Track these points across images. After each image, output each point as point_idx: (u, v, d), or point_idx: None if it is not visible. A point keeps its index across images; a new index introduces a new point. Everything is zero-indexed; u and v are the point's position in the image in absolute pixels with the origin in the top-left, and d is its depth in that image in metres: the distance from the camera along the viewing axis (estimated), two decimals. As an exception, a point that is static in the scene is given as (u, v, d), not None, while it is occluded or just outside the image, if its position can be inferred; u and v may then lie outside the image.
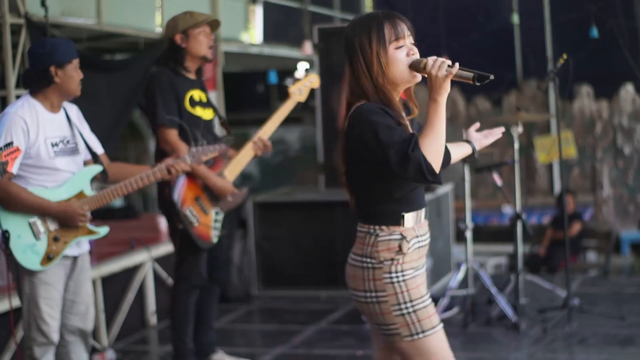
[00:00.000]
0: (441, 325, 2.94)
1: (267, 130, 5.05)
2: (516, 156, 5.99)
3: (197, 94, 4.92)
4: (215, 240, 4.86)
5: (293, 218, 7.26)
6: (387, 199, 2.89)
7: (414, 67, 2.88)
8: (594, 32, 8.34)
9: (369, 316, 2.94)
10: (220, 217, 4.89)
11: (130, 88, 6.59)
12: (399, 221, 2.89)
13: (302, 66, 9.83)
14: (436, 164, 2.76)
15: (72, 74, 4.05)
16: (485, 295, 6.32)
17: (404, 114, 2.90)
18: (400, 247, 2.88)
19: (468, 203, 6.23)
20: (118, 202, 9.36)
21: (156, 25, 7.35)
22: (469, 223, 6.12)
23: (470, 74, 2.81)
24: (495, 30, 10.95)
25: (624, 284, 7.31)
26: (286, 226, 7.25)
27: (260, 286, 7.23)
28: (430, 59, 2.81)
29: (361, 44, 2.88)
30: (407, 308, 2.87)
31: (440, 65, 2.79)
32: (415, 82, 2.92)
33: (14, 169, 3.88)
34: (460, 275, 6.13)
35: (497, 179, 6.22)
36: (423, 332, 2.88)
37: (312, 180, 10.04)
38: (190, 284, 4.90)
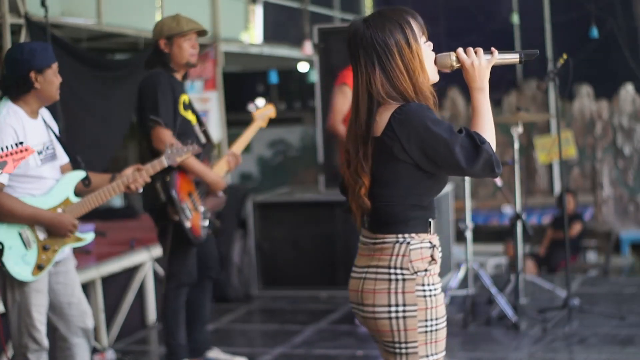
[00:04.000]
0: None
1: (240, 146, 5.15)
2: (516, 156, 5.99)
3: (187, 97, 4.95)
4: (204, 237, 4.90)
5: (293, 218, 7.25)
6: (418, 205, 2.67)
7: (439, 62, 2.70)
8: (594, 32, 8.36)
9: (386, 334, 2.68)
10: (208, 215, 4.92)
11: (132, 88, 6.59)
12: (427, 228, 2.69)
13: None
14: (496, 153, 2.62)
15: (52, 79, 3.96)
16: (485, 295, 6.32)
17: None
18: (432, 256, 2.68)
19: (468, 203, 6.23)
20: (118, 202, 9.36)
21: (156, 25, 7.34)
22: (469, 223, 6.12)
23: (516, 56, 2.72)
24: (495, 30, 10.94)
25: (624, 284, 7.31)
26: (286, 226, 7.25)
27: (260, 286, 7.23)
28: (459, 50, 2.68)
29: (397, 42, 2.63)
30: (432, 326, 2.67)
31: (477, 53, 2.68)
32: (435, 81, 2.72)
33: (3, 179, 3.82)
34: (460, 275, 6.14)
35: (497, 179, 6.23)
36: (436, 354, 2.69)
37: (312, 180, 10.05)
38: (180, 282, 4.91)
